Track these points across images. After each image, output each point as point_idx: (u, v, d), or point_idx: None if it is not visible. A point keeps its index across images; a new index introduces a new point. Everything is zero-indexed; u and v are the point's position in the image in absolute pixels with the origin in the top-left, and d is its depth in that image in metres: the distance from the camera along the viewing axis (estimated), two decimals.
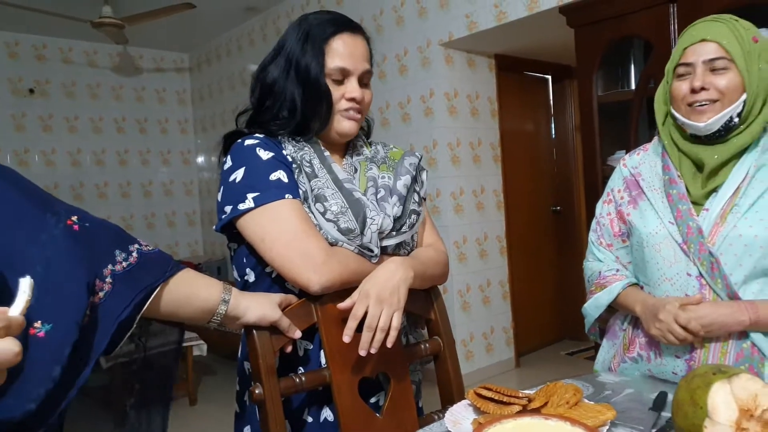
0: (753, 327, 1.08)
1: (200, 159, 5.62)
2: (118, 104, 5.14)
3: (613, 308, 1.32)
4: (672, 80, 1.19)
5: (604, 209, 1.36)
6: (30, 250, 0.72)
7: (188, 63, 5.59)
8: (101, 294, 0.78)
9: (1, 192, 0.73)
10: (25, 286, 0.55)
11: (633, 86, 2.54)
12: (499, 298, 3.84)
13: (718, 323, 1.08)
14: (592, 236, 1.39)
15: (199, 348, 3.34)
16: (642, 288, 1.26)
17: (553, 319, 4.39)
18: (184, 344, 1.00)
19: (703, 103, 1.13)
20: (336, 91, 1.11)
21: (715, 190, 1.15)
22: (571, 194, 4.45)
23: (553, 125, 4.53)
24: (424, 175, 1.22)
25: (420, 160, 1.22)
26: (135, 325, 0.85)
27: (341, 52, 1.10)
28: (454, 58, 3.58)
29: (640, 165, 1.29)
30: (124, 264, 0.83)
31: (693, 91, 1.14)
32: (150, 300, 0.84)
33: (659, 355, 1.19)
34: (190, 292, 0.91)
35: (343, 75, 1.11)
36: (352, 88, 1.11)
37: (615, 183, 1.34)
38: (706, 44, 1.13)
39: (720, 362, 1.11)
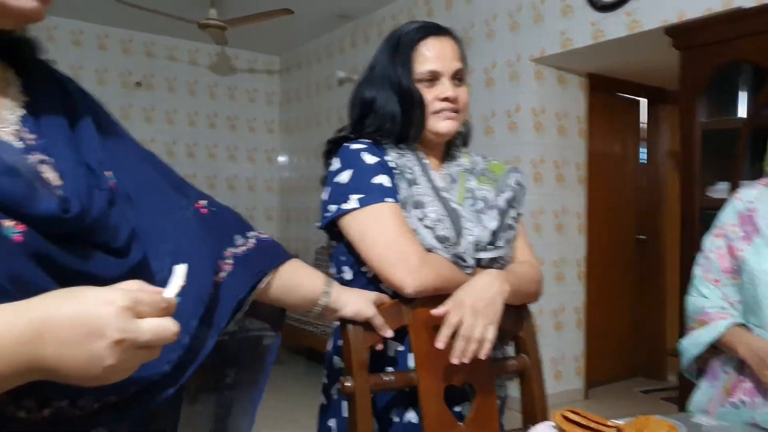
0: None
1: (282, 158, 5.81)
2: (212, 101, 5.42)
3: (715, 348, 1.24)
4: None
5: (712, 243, 1.29)
6: (165, 226, 0.77)
7: (279, 66, 5.81)
8: (222, 274, 0.82)
9: (146, 173, 0.80)
10: (181, 271, 0.58)
11: (740, 114, 2.40)
12: (573, 324, 3.72)
13: None
14: (697, 270, 1.32)
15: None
16: (750, 330, 1.18)
17: (628, 353, 4.18)
18: (256, 333, 1.03)
19: None
20: (428, 93, 1.13)
21: None
22: (658, 223, 4.25)
23: (643, 150, 4.35)
24: (524, 192, 1.21)
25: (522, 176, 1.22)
26: (246, 306, 0.89)
27: (428, 55, 1.13)
28: (545, 74, 3.53)
29: (757, 200, 1.22)
30: (243, 248, 0.87)
31: None
32: (263, 284, 0.88)
33: (767, 403, 1.11)
34: (296, 280, 0.95)
35: (434, 77, 1.13)
36: (443, 88, 1.13)
37: (727, 217, 1.27)
38: None
39: None
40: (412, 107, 1.12)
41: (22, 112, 0.67)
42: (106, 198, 0.66)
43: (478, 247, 1.09)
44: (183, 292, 0.68)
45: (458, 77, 1.16)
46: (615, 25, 2.98)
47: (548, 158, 3.57)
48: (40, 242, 0.57)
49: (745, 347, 1.14)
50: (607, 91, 3.96)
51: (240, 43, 5.11)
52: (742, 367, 1.18)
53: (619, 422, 0.92)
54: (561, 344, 3.64)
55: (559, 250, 3.62)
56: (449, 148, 1.25)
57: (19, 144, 0.64)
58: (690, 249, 1.32)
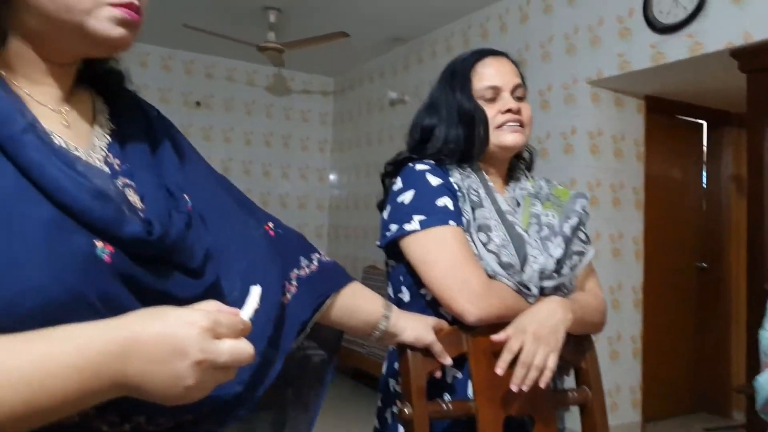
0: None
1: (333, 177, 5.90)
2: (267, 120, 5.58)
3: None
4: None
5: None
6: (236, 247, 0.79)
7: (333, 87, 5.94)
8: (288, 296, 0.84)
9: (220, 196, 0.83)
10: (256, 293, 0.60)
11: None
12: (629, 353, 3.58)
13: None
14: None
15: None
16: None
17: (690, 387, 3.97)
18: (314, 353, 1.04)
19: None
20: (490, 109, 1.12)
21: None
22: (721, 251, 4.06)
23: (704, 174, 4.19)
24: (588, 218, 1.19)
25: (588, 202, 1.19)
26: (308, 328, 0.91)
27: (487, 73, 1.13)
28: (601, 96, 3.46)
29: None
30: (307, 270, 0.89)
31: None
32: (325, 306, 0.89)
33: None
34: (357, 303, 0.96)
35: (495, 92, 1.13)
36: (505, 100, 1.13)
37: None
38: None
39: None
40: (474, 124, 1.11)
41: (109, 138, 0.71)
42: (184, 220, 0.68)
43: (543, 275, 1.07)
44: (254, 314, 0.70)
45: (518, 94, 1.15)
46: (676, 48, 2.91)
47: (604, 181, 3.48)
48: (127, 263, 0.59)
49: None
50: (666, 113, 3.84)
51: (296, 64, 5.26)
52: None
53: None
54: (617, 374, 3.51)
55: (615, 276, 3.51)
56: (512, 170, 1.24)
57: (107, 169, 0.67)
58: (758, 278, 1.26)
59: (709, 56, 2.78)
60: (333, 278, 0.92)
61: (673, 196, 3.99)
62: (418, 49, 4.63)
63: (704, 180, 4.19)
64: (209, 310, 0.56)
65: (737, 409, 3.75)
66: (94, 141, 0.69)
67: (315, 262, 0.91)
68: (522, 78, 1.18)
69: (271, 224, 0.88)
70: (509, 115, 1.12)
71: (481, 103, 1.13)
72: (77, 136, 0.67)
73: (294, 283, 0.86)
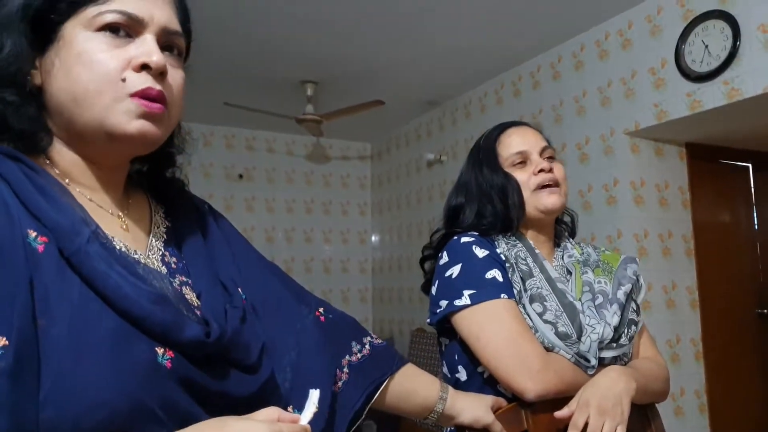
0: None
1: (375, 238, 5.95)
2: (308, 188, 5.73)
3: None
4: None
5: None
6: (288, 338, 0.80)
7: (370, 151, 6.09)
8: (340, 383, 0.84)
9: (271, 285, 0.84)
10: (315, 397, 0.60)
11: None
12: (695, 410, 3.39)
13: None
14: None
15: (369, 427, 3.41)
16: None
17: None
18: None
19: None
20: (522, 174, 1.13)
21: None
22: None
23: (755, 217, 4.06)
24: (642, 282, 1.17)
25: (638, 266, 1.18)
26: (364, 415, 0.91)
27: (511, 141, 1.15)
28: (640, 146, 3.44)
29: None
30: (359, 355, 0.89)
31: None
32: (379, 392, 0.89)
33: None
34: (412, 387, 0.95)
35: (523, 156, 1.14)
36: (536, 163, 1.13)
37: None
38: None
39: None
40: (508, 193, 1.12)
41: (165, 236, 0.73)
42: (239, 316, 0.69)
43: (601, 345, 1.05)
44: (305, 404, 0.69)
45: (548, 155, 1.16)
46: (712, 95, 2.90)
47: (652, 231, 3.41)
48: (187, 367, 0.60)
49: None
50: (709, 159, 3.78)
51: (334, 133, 5.43)
52: None
53: None
54: None
55: (672, 329, 3.38)
56: (558, 237, 1.24)
57: (164, 269, 0.69)
58: None
59: (747, 101, 2.76)
60: (386, 362, 0.92)
61: (725, 241, 3.86)
62: (452, 110, 4.73)
63: (755, 222, 4.05)
64: (271, 419, 0.56)
65: None
66: (152, 241, 0.71)
67: (367, 347, 0.91)
68: (548, 141, 1.20)
69: (321, 309, 0.89)
70: (542, 175, 1.13)
71: (511, 170, 1.14)
72: (135, 239, 0.69)
73: (346, 370, 0.86)
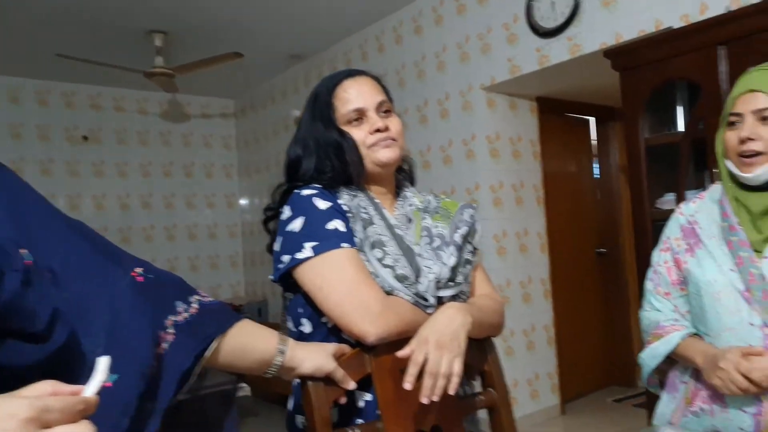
0: None
1: (243, 202, 5.75)
2: (166, 149, 5.34)
3: (672, 359, 1.28)
4: (725, 129, 1.21)
5: (660, 257, 1.33)
6: (99, 301, 0.74)
7: (233, 109, 5.80)
8: (164, 345, 0.79)
9: (76, 245, 0.76)
10: (102, 366, 0.55)
11: (680, 128, 2.49)
12: (544, 342, 3.73)
13: None
14: (648, 285, 1.35)
15: (242, 390, 3.34)
16: (702, 338, 1.22)
17: (600, 365, 4.23)
18: (205, 393, 0.99)
19: (751, 153, 1.13)
20: (359, 132, 1.13)
21: None
22: (616, 236, 4.35)
23: (596, 166, 4.47)
24: (478, 226, 1.22)
25: (475, 211, 1.22)
26: (195, 376, 0.85)
27: (347, 96, 1.14)
28: (496, 101, 3.60)
29: (697, 213, 1.27)
30: (186, 315, 0.84)
31: (741, 141, 1.15)
32: (210, 351, 0.85)
33: (724, 409, 1.14)
34: (247, 343, 0.91)
35: (360, 114, 1.13)
36: (372, 121, 1.13)
37: (671, 231, 1.32)
38: (755, 95, 1.15)
39: None
40: (343, 150, 1.12)
41: None
42: (19, 279, 0.62)
43: (439, 284, 1.08)
44: (120, 368, 0.64)
45: (384, 109, 1.16)
46: (558, 50, 3.08)
47: (507, 183, 3.62)
48: None
49: (701, 356, 1.17)
50: (557, 113, 4.07)
51: (191, 89, 5.09)
52: (698, 376, 1.21)
53: None
54: (535, 364, 3.65)
55: (524, 271, 3.65)
56: (399, 188, 1.25)
57: None
58: (644, 260, 1.35)
59: (587, 57, 2.98)
60: (217, 320, 0.88)
61: (571, 189, 4.23)
62: (319, 65, 4.62)
63: (596, 172, 4.47)
64: (37, 395, 0.50)
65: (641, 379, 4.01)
66: None
67: (194, 305, 0.86)
68: (386, 92, 1.20)
69: (139, 269, 0.82)
70: (378, 135, 1.13)
71: (347, 127, 1.13)
72: None
73: (171, 330, 0.81)
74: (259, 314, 5.03)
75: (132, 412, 0.67)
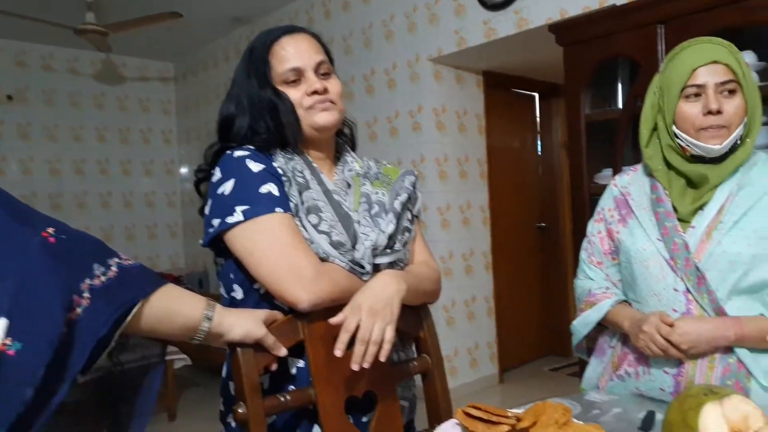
0: (738, 343, 1.09)
1: (184, 170, 5.55)
2: (99, 113, 5.05)
3: (602, 326, 1.31)
4: (677, 101, 1.16)
5: (594, 228, 1.36)
6: (3, 263, 0.68)
7: (173, 72, 5.54)
8: (78, 310, 0.74)
9: None
10: None
11: (620, 105, 2.56)
12: (484, 313, 3.82)
13: (704, 339, 1.09)
14: (582, 255, 1.39)
15: (181, 361, 3.26)
16: (631, 305, 1.26)
17: (538, 335, 4.39)
18: (134, 365, 0.95)
19: (719, 126, 1.12)
20: (295, 92, 1.08)
21: (701, 207, 1.16)
22: (556, 211, 4.47)
23: (539, 142, 4.56)
24: (419, 193, 1.20)
25: (417, 179, 1.20)
26: (113, 342, 0.81)
27: (284, 54, 1.08)
28: (443, 73, 3.59)
29: (630, 185, 1.30)
30: (103, 278, 0.79)
31: (709, 113, 1.11)
32: (130, 316, 0.80)
33: (647, 370, 1.18)
34: (172, 308, 0.87)
35: (297, 74, 1.08)
36: (310, 82, 1.09)
37: (605, 202, 1.34)
38: (718, 66, 1.12)
39: (707, 377, 1.11)
40: (279, 111, 1.07)
41: None
42: None
43: (376, 251, 1.06)
44: (26, 337, 0.60)
45: (323, 71, 1.11)
46: (505, 23, 3.09)
47: (452, 156, 3.64)
48: None
49: (629, 321, 1.20)
50: (502, 87, 4.10)
51: (127, 49, 4.82)
52: (626, 340, 1.25)
53: (518, 411, 0.93)
54: (474, 334, 3.74)
55: (467, 244, 3.71)
56: (339, 152, 1.21)
57: None
58: (581, 233, 1.39)
59: (533, 31, 2.99)
60: (138, 284, 0.83)
61: (514, 164, 4.30)
62: (262, 29, 4.46)
63: (539, 148, 4.56)
64: None
65: None
66: None
67: (114, 268, 0.81)
68: (327, 51, 1.15)
69: (51, 230, 0.76)
70: (316, 97, 1.08)
71: (284, 87, 1.08)
72: None
73: (87, 294, 0.76)
74: (200, 285, 4.91)
75: (37, 383, 0.63)
